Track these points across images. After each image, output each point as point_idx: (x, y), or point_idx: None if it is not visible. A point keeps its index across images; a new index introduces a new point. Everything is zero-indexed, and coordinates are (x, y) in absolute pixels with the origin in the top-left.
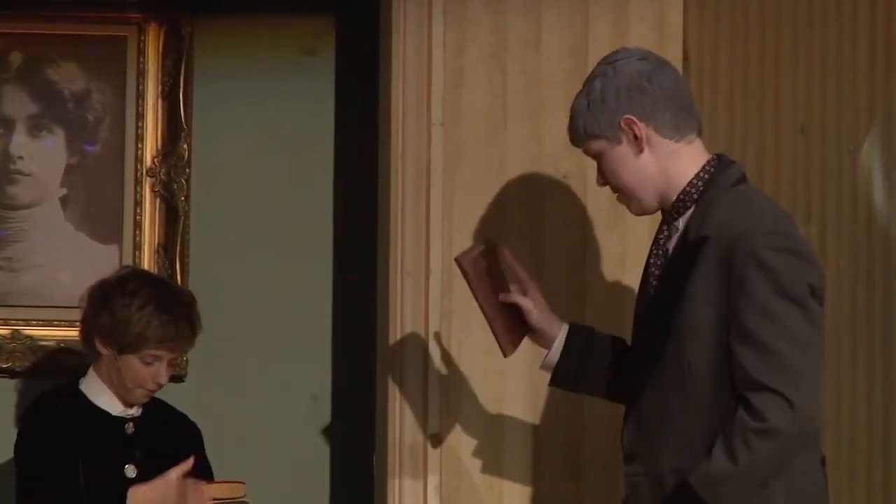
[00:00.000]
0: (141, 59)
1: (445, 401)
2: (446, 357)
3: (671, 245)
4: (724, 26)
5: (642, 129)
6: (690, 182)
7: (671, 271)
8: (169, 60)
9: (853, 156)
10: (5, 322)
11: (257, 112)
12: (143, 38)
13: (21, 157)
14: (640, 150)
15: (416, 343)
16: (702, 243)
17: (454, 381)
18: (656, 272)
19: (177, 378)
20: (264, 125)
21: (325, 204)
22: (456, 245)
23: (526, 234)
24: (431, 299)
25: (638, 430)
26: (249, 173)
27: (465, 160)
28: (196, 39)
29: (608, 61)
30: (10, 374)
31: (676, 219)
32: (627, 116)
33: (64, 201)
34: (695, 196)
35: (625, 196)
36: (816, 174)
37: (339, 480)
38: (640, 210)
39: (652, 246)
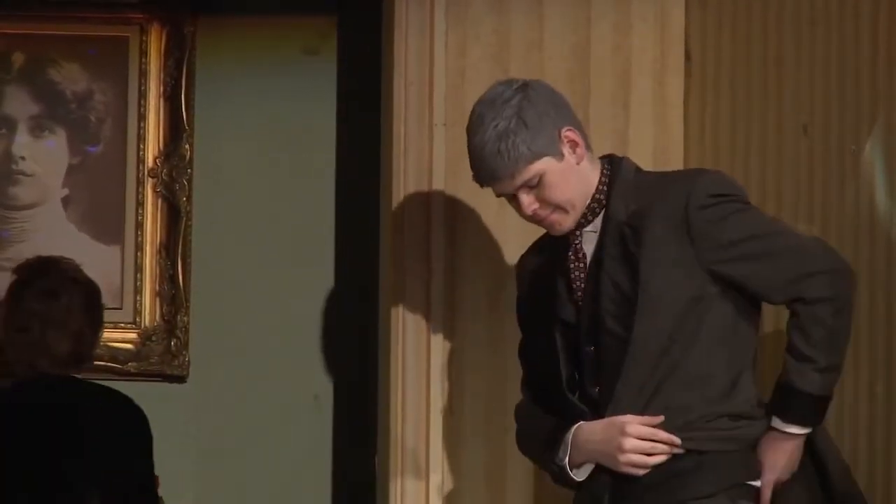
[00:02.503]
0: (143, 59)
1: (448, 400)
2: (448, 356)
3: (588, 248)
4: (727, 26)
5: (578, 136)
6: (597, 188)
7: (609, 263)
8: (171, 60)
9: (856, 156)
10: None
11: (259, 112)
12: (145, 38)
13: (23, 158)
14: (581, 158)
15: (418, 342)
16: (641, 217)
17: (456, 380)
18: (581, 275)
19: (178, 378)
20: (266, 125)
21: (327, 204)
22: (458, 244)
23: (528, 234)
24: (434, 299)
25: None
26: (251, 173)
27: (467, 160)
28: (198, 39)
29: (515, 87)
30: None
31: (590, 222)
32: (567, 127)
33: (66, 202)
34: (604, 192)
35: (562, 213)
36: (819, 174)
37: (340, 480)
38: (572, 225)
39: (567, 254)
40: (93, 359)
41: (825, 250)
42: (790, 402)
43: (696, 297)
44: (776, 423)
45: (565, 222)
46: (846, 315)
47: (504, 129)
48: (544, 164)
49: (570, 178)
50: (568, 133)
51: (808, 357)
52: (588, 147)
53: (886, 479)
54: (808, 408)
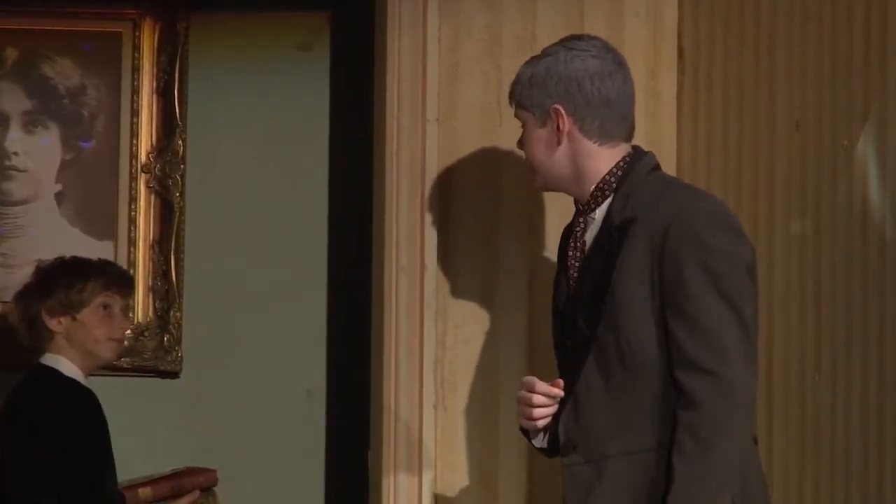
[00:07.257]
0: (136, 54)
1: (440, 396)
2: (441, 352)
3: (588, 236)
4: (719, 22)
5: (567, 123)
6: (604, 178)
7: (594, 259)
8: (164, 56)
9: (848, 152)
10: (2, 318)
11: (252, 107)
12: (138, 33)
13: (16, 153)
14: (559, 143)
15: (411, 338)
16: (628, 225)
17: (449, 377)
18: (576, 264)
19: (171, 374)
20: (259, 120)
21: (320, 199)
22: (451, 240)
23: (521, 230)
24: (426, 294)
25: (576, 419)
26: (244, 169)
27: (460, 155)
28: (191, 35)
29: (568, 45)
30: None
31: (593, 210)
32: (557, 106)
33: (59, 197)
34: (613, 185)
35: (531, 169)
36: (811, 170)
37: (334, 476)
38: (542, 187)
39: (569, 241)
40: None
41: (736, 356)
42: None
43: (659, 315)
44: None
45: (534, 181)
46: (724, 436)
47: (524, 72)
48: (525, 117)
49: (539, 147)
50: (557, 111)
51: (674, 466)
52: (592, 139)
53: (880, 476)
54: None
